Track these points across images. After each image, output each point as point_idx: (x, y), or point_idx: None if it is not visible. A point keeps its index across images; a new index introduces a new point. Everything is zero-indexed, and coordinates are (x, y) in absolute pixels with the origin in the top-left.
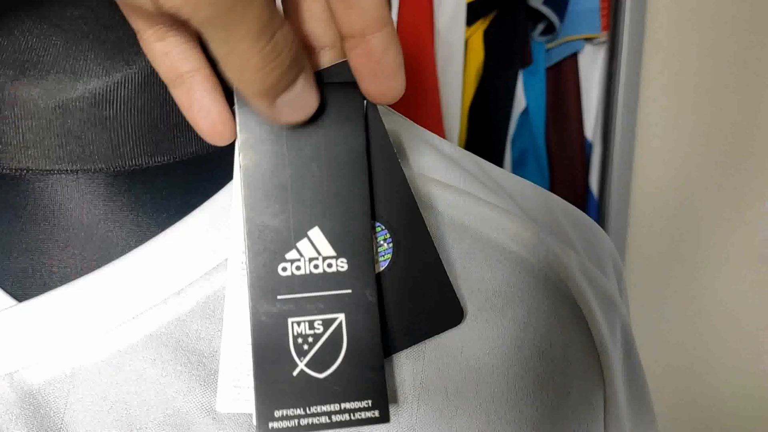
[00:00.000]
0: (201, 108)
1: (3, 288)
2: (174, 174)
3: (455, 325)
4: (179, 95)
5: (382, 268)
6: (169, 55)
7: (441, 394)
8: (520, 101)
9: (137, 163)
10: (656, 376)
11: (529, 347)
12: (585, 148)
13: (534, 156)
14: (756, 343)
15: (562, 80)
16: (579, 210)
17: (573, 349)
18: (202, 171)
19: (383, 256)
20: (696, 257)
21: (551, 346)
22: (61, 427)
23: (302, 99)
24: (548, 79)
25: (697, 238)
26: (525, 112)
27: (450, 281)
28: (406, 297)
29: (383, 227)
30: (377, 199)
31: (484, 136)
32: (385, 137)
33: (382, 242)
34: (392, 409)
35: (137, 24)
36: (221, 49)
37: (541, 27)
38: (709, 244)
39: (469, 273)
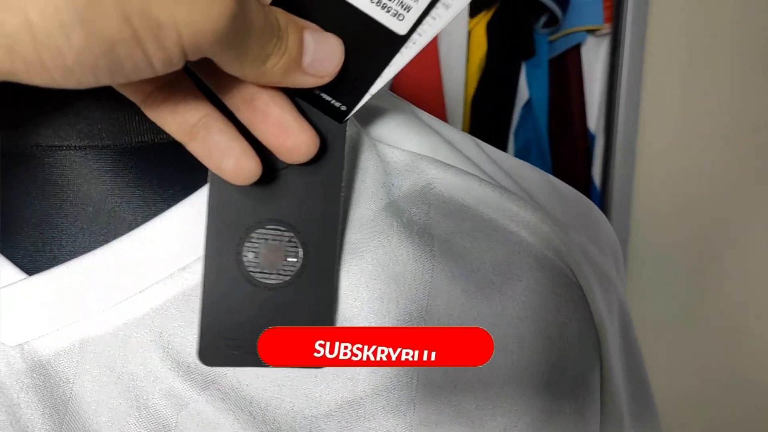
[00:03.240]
0: (221, 150)
1: (13, 262)
2: (179, 151)
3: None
4: (196, 148)
5: (283, 281)
6: (178, 111)
7: (440, 371)
8: (522, 93)
9: (143, 140)
10: (656, 367)
11: (527, 325)
12: (588, 139)
13: (537, 147)
14: (762, 335)
15: (565, 72)
16: (576, 190)
17: (570, 327)
18: None
19: (287, 269)
20: (699, 248)
21: (548, 324)
22: (70, 397)
23: (320, 49)
24: (551, 70)
25: (700, 229)
26: (528, 104)
27: (334, 319)
28: (294, 314)
29: (299, 244)
30: (306, 217)
31: (487, 127)
32: (339, 163)
33: (293, 257)
34: (392, 383)
35: (137, 95)
36: (238, 68)
37: (543, 19)
38: (713, 235)
39: (469, 252)
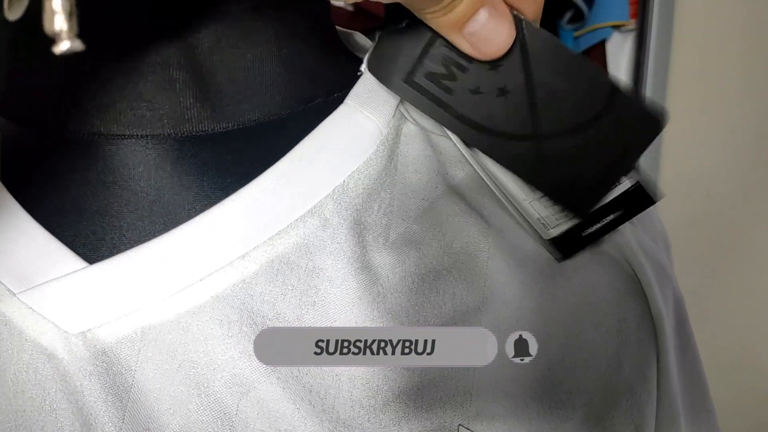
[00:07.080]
0: None
1: (74, 250)
2: (238, 140)
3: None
4: None
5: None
6: None
7: (497, 362)
8: None
9: (203, 128)
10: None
11: (584, 318)
12: None
13: None
14: None
15: None
16: None
17: (628, 322)
18: (265, 138)
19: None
20: (723, 251)
21: (606, 317)
22: (132, 384)
23: (488, 30)
24: None
25: (725, 232)
26: None
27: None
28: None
29: None
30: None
31: None
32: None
33: None
34: (449, 374)
35: None
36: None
37: (569, 14)
38: (737, 238)
39: (525, 244)
